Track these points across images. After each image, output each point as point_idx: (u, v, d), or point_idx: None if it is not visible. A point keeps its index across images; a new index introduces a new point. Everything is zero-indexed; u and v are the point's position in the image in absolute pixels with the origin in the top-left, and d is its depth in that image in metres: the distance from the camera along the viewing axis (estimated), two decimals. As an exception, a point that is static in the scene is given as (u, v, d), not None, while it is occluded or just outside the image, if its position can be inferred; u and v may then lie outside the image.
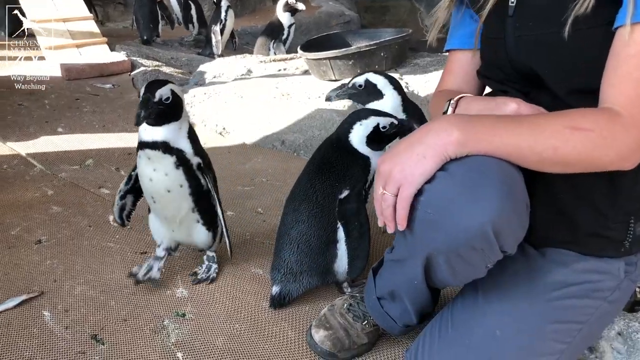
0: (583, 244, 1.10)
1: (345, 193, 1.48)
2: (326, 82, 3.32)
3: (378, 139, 1.52)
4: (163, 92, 1.45)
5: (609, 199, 1.06)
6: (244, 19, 7.10)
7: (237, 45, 5.78)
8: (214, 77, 3.76)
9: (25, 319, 1.59)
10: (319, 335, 1.42)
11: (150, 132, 1.49)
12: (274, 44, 4.94)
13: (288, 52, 4.83)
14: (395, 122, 1.52)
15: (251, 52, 5.25)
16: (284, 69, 3.81)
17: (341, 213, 1.47)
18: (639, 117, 0.93)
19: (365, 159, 1.53)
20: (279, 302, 1.60)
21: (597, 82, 0.98)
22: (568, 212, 1.09)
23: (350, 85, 1.84)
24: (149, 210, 1.75)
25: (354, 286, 1.64)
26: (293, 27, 5.18)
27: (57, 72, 4.00)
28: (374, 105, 1.81)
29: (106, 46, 4.47)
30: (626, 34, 0.93)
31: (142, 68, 4.05)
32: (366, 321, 1.42)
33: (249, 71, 3.80)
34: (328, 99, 1.85)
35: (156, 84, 1.48)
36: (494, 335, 1.10)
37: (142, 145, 1.51)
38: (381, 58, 3.22)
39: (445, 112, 1.14)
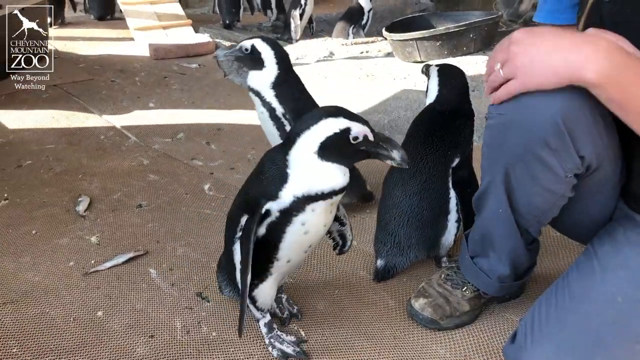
0: None
1: (456, 161, 1.45)
2: (411, 64, 3.27)
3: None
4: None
5: None
6: (319, 6, 7.07)
7: (314, 30, 5.79)
8: (297, 58, 3.78)
9: (133, 274, 1.65)
10: (418, 303, 1.41)
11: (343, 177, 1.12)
12: (353, 28, 4.91)
13: (366, 37, 4.79)
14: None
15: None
16: (367, 52, 3.78)
17: (455, 182, 1.44)
18: None
19: (470, 116, 1.50)
20: (382, 276, 1.58)
21: None
22: None
23: (238, 47, 1.78)
24: (260, 280, 1.26)
25: (452, 260, 1.62)
26: (372, 12, 5.14)
27: (145, 52, 4.14)
28: (253, 75, 1.77)
29: (191, 28, 4.59)
30: None
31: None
32: (465, 287, 1.40)
33: (331, 53, 3.80)
34: (216, 56, 1.81)
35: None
36: (615, 301, 1.05)
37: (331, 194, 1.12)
38: (470, 40, 3.14)
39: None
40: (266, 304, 1.30)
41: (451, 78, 1.58)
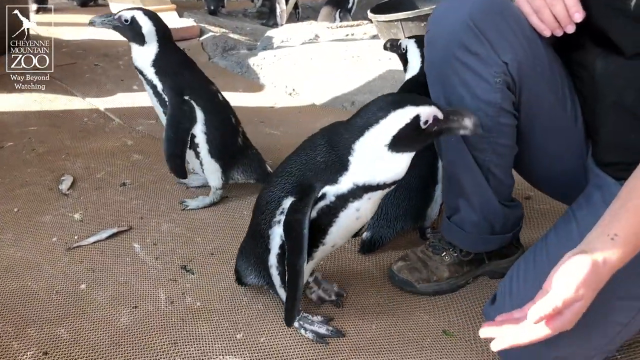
0: None
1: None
2: (396, 46, 3.26)
3: None
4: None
5: None
6: (304, -7, 7.06)
7: (299, 16, 5.78)
8: (282, 41, 3.77)
9: (117, 248, 1.64)
10: (397, 265, 1.45)
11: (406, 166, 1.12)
12: (340, 13, 4.90)
13: (353, 21, 4.78)
14: None
15: (312, 25, 5.24)
16: (352, 34, 3.78)
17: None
18: None
19: None
20: (369, 248, 1.59)
21: None
22: None
23: (117, 16, 1.72)
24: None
25: (435, 232, 1.62)
26: (357, -3, 5.15)
27: (129, 37, 4.09)
28: (135, 52, 1.75)
29: (175, 13, 4.54)
30: None
31: (211, 33, 4.10)
32: (445, 252, 1.41)
33: (317, 36, 3.78)
34: (91, 22, 1.74)
35: None
36: None
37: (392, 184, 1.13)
38: (454, 20, 3.14)
39: None
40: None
41: None
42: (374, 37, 3.64)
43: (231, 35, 4.22)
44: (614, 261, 0.87)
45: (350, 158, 1.08)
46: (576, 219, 1.16)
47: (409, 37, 1.75)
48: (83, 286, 1.45)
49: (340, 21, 4.71)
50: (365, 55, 3.28)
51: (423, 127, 1.04)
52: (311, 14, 6.60)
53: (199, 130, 1.78)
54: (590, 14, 1.06)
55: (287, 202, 1.14)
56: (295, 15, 5.65)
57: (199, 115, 1.77)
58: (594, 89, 1.14)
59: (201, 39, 4.11)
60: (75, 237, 1.69)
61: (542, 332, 0.86)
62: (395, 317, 1.35)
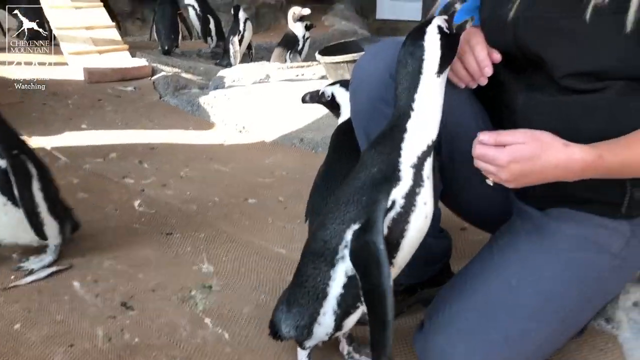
0: (583, 203, 1.14)
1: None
2: (344, 85, 3.38)
3: None
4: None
5: None
6: (259, 35, 7.20)
7: (253, 56, 5.89)
8: (233, 81, 3.84)
9: (56, 287, 1.63)
10: None
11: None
12: (290, 54, 5.04)
13: (303, 62, 4.92)
14: None
15: (267, 65, 5.36)
16: (302, 75, 3.88)
17: None
18: None
19: None
20: None
21: (604, 64, 1.03)
22: None
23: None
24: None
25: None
26: (308, 40, 5.30)
27: (80, 76, 4.08)
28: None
29: (127, 52, 4.57)
30: None
31: (163, 73, 4.14)
32: None
33: (268, 76, 3.87)
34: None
35: None
36: (510, 284, 1.14)
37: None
38: (398, 62, 3.29)
39: None
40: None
41: None
42: (323, 77, 3.75)
43: (183, 74, 4.26)
44: (578, 153, 1.00)
45: (411, 114, 1.07)
46: (497, 245, 1.23)
47: (331, 84, 1.82)
48: (17, 326, 1.43)
49: (291, 62, 4.84)
50: (314, 94, 3.38)
51: (447, 32, 1.09)
52: (265, 54, 6.72)
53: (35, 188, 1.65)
54: (525, 41, 1.13)
55: (349, 234, 1.06)
56: (249, 56, 5.75)
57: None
58: (515, 125, 1.22)
59: (153, 78, 4.14)
60: (12, 277, 1.66)
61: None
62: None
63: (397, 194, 1.05)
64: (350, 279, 1.09)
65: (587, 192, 1.12)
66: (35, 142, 2.90)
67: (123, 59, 4.40)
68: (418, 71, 1.07)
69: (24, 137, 1.78)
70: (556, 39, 1.07)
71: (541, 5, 1.09)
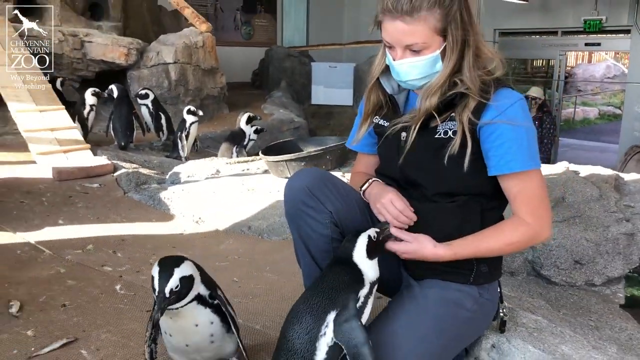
0: (444, 275, 1.74)
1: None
2: (283, 179, 4.08)
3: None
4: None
5: None
6: (204, 125, 7.86)
7: (198, 148, 6.57)
8: (188, 176, 4.46)
9: (69, 355, 2.13)
10: None
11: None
12: (237, 149, 5.75)
13: (248, 155, 5.63)
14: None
15: (212, 155, 6.04)
16: (248, 169, 4.56)
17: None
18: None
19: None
20: None
21: (453, 188, 1.68)
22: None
23: None
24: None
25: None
26: (251, 135, 6.08)
27: (48, 174, 4.58)
28: None
29: (90, 151, 5.12)
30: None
31: (124, 170, 4.71)
32: None
33: (218, 171, 4.52)
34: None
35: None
36: (395, 331, 1.61)
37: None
38: (327, 160, 4.05)
39: (361, 187, 1.83)
40: None
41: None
42: (266, 171, 4.45)
43: (142, 170, 4.85)
44: (440, 251, 1.64)
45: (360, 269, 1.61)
46: (390, 305, 1.78)
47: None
48: (45, 384, 1.93)
49: (237, 156, 5.54)
50: (259, 187, 4.06)
51: (373, 238, 1.64)
52: (211, 143, 7.41)
53: None
54: (407, 172, 1.73)
55: (331, 317, 1.51)
56: (195, 147, 6.42)
57: None
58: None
59: (115, 174, 4.70)
60: (32, 349, 2.16)
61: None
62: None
63: (362, 293, 1.59)
64: (330, 348, 1.52)
65: (447, 267, 1.73)
66: (20, 237, 3.39)
67: (86, 158, 4.95)
68: (350, 252, 1.63)
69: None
70: (426, 172, 1.74)
71: (419, 153, 1.70)
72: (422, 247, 1.66)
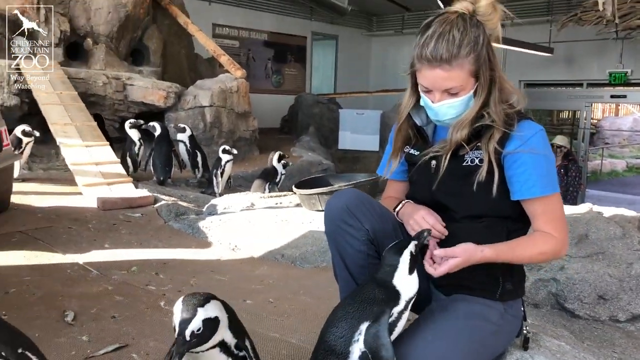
0: (472, 291, 1.88)
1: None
2: (315, 212, 4.28)
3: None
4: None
5: (486, 269, 1.85)
6: (236, 165, 8.18)
7: (231, 185, 6.85)
8: (224, 208, 4.69)
9: (121, 358, 2.31)
10: None
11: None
12: (269, 185, 6.01)
13: (280, 191, 5.88)
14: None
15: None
16: (280, 203, 4.78)
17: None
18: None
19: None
20: None
21: (481, 211, 1.81)
22: (464, 274, 1.87)
23: None
24: None
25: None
26: (284, 175, 6.35)
27: (93, 204, 4.87)
28: None
29: (132, 184, 5.42)
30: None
31: (164, 202, 4.97)
32: None
33: (252, 204, 4.75)
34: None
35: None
36: (426, 338, 1.71)
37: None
38: (357, 194, 4.26)
39: (395, 208, 2.00)
40: None
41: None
42: (298, 204, 4.66)
43: (180, 202, 5.12)
44: (486, 252, 1.71)
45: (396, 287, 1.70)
46: (421, 317, 1.88)
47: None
48: (103, 381, 2.12)
49: (269, 192, 5.79)
50: (292, 219, 4.26)
51: (414, 252, 1.73)
52: (242, 182, 7.70)
53: None
54: (438, 197, 1.85)
55: (364, 326, 1.61)
56: (228, 184, 6.70)
57: None
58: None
59: (155, 206, 4.97)
60: (88, 351, 2.35)
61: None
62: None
63: (395, 310, 1.67)
64: (363, 354, 1.62)
65: (475, 284, 1.88)
66: (69, 258, 3.64)
67: (129, 190, 5.25)
68: (394, 270, 1.71)
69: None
70: (456, 197, 1.90)
71: (449, 180, 1.83)
72: (470, 254, 1.72)
